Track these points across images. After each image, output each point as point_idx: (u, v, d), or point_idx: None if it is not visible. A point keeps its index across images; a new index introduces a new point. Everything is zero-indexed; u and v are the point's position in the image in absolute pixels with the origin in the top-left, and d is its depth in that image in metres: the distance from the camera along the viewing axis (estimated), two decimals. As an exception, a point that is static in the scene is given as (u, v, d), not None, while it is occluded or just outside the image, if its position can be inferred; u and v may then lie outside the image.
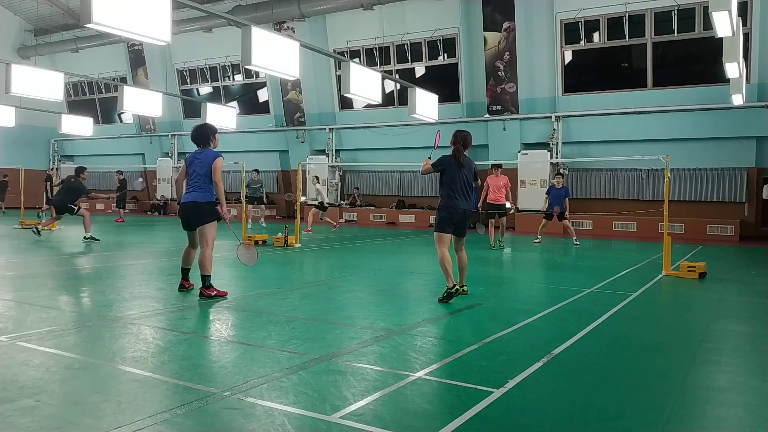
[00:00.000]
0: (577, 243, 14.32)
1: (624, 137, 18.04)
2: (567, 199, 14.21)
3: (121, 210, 21.47)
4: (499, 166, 13.36)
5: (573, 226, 14.92)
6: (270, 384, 3.65)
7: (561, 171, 16.83)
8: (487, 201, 13.29)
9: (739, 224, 16.93)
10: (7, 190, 24.17)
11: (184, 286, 6.83)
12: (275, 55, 8.58)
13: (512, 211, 14.84)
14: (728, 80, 13.05)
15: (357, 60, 20.22)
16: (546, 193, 14.61)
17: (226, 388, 3.53)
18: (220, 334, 5.08)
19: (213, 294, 6.43)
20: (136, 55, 27.33)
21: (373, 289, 7.62)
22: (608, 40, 18.43)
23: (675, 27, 17.24)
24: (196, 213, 6.49)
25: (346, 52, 22.12)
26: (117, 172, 22.93)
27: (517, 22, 18.85)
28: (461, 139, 6.62)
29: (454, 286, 6.44)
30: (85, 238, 12.67)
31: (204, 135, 6.67)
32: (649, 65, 17.93)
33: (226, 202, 6.76)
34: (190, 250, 6.81)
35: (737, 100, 14.21)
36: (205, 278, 6.44)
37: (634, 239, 16.91)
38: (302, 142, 24.09)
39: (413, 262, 11.23)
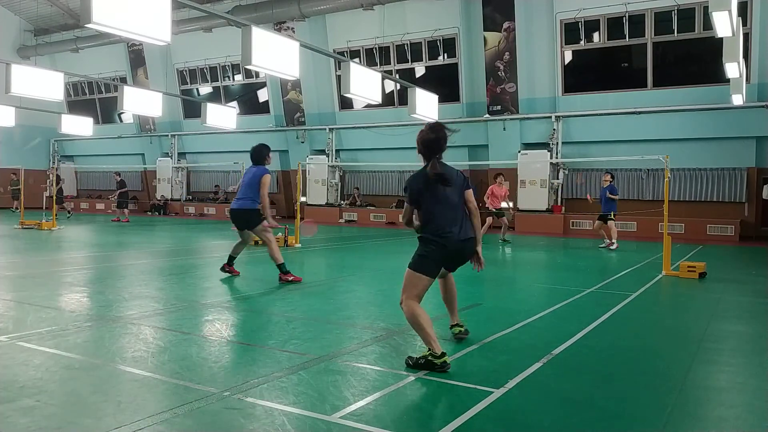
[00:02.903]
0: (609, 247, 13.27)
1: (624, 137, 18.04)
2: (613, 196, 13.34)
3: (125, 210, 21.44)
4: (501, 174, 13.35)
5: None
6: (270, 384, 3.65)
7: (609, 170, 15.39)
8: (486, 206, 13.36)
9: (739, 224, 16.92)
10: (63, 196, 23.62)
11: (225, 269, 7.93)
12: (275, 55, 8.58)
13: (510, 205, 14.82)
14: (728, 80, 13.05)
15: (357, 60, 20.22)
16: (610, 192, 13.48)
17: (226, 388, 3.53)
18: (220, 334, 5.08)
19: (290, 279, 7.47)
20: (136, 55, 27.32)
21: (373, 289, 7.63)
22: (608, 40, 18.42)
23: (675, 27, 17.24)
24: (242, 218, 7.72)
25: (346, 52, 22.12)
26: (115, 173, 22.92)
27: (517, 22, 18.84)
28: (433, 145, 4.17)
29: (443, 354, 3.93)
30: None
31: (260, 155, 7.79)
32: (649, 65, 17.92)
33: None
34: (239, 244, 8.03)
35: (737, 100, 14.21)
36: (280, 266, 7.53)
37: (634, 239, 16.89)
38: (302, 142, 24.09)
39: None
